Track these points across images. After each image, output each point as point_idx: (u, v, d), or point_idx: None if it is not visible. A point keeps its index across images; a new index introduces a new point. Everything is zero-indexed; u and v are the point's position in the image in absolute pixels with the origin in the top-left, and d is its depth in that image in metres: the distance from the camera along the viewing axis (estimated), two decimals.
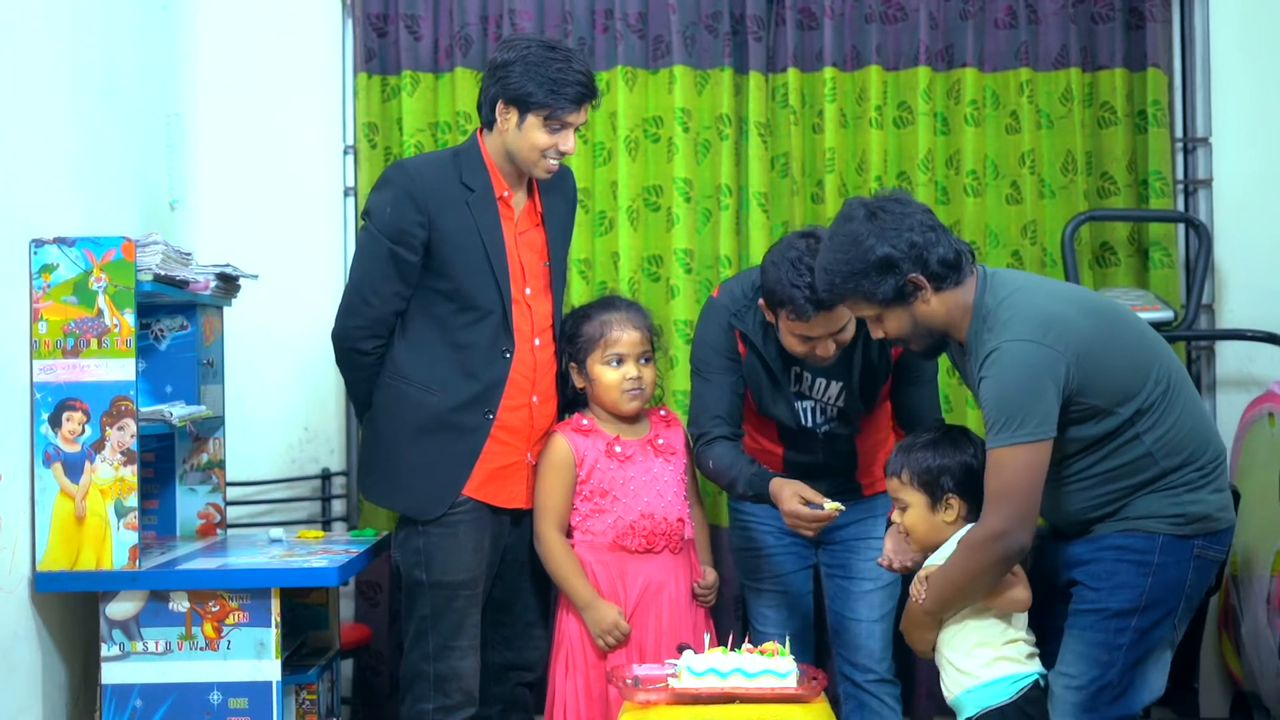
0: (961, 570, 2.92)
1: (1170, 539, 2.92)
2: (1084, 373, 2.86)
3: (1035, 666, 2.99)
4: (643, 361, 3.46)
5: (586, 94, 3.27)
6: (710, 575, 3.54)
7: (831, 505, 3.17)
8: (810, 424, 3.44)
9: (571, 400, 3.53)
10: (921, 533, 3.05)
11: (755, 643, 3.14)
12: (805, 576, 3.59)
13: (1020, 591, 2.95)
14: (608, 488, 3.43)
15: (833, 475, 3.46)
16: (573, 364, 3.48)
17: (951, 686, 3.01)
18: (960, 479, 3.01)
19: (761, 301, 3.30)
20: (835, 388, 3.40)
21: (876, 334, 3.03)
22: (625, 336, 3.44)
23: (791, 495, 3.20)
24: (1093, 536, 2.98)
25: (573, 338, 3.47)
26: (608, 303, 3.54)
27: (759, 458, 3.44)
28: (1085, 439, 2.93)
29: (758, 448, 3.49)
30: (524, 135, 3.27)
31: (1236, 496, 3.81)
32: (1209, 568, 2.98)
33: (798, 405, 3.42)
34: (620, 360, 3.43)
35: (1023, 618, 3.00)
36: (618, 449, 3.45)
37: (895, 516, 3.09)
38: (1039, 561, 3.05)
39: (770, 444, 3.50)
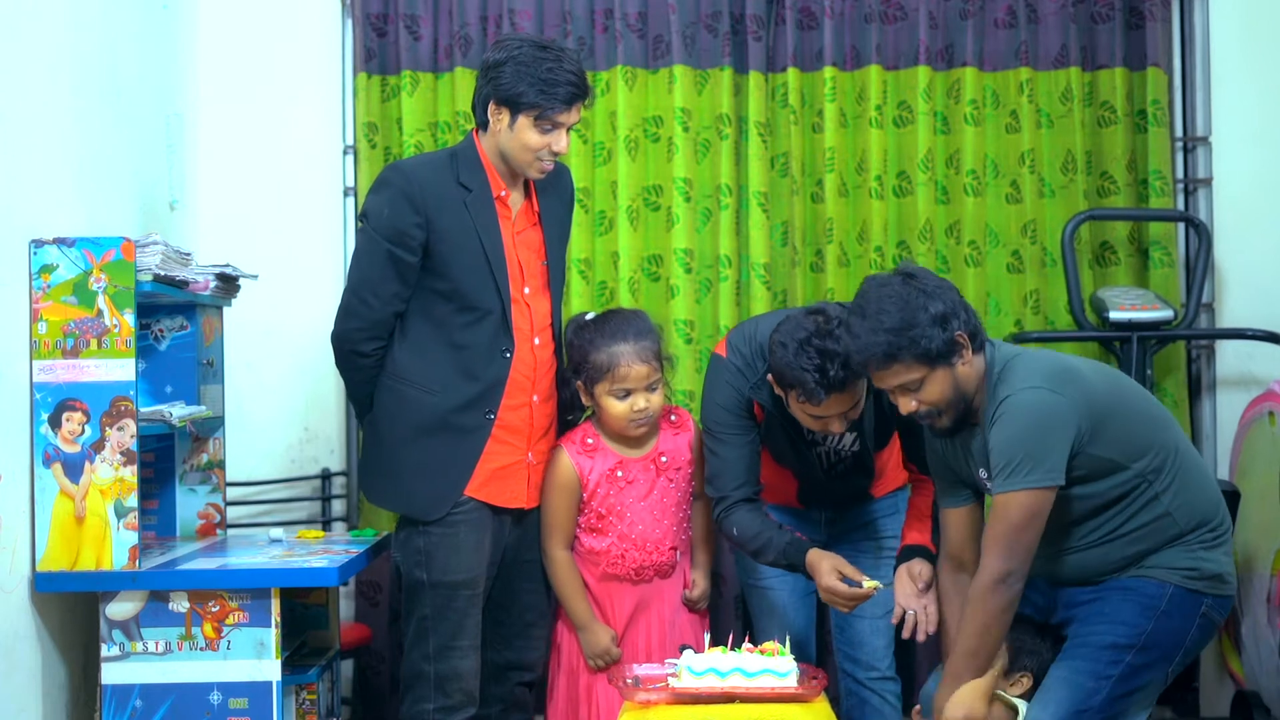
0: (977, 623, 2.91)
1: (1181, 591, 2.94)
2: (1096, 422, 2.88)
3: None
4: (650, 389, 3.43)
5: (578, 94, 3.26)
6: (698, 588, 3.54)
7: (870, 584, 3.14)
8: (826, 467, 3.43)
9: (570, 401, 3.52)
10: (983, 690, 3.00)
11: (756, 642, 3.14)
12: None
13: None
14: (606, 511, 3.45)
15: (845, 501, 3.48)
16: (580, 382, 3.45)
17: None
18: (1037, 666, 3.03)
19: (771, 378, 3.24)
20: (849, 438, 3.38)
21: (909, 407, 2.97)
22: (633, 372, 3.38)
23: (830, 570, 3.16)
24: (1103, 580, 3.00)
25: (579, 364, 3.42)
26: (618, 331, 3.42)
27: (773, 493, 3.44)
28: (1103, 497, 2.95)
29: (773, 483, 3.46)
30: (516, 135, 3.26)
31: (1236, 496, 3.82)
32: (1210, 629, 3.00)
33: (814, 453, 3.40)
34: (628, 393, 3.42)
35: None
36: (620, 474, 3.45)
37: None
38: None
39: (785, 482, 3.48)
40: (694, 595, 3.52)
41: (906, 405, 2.97)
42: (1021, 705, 2.97)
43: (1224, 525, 3.02)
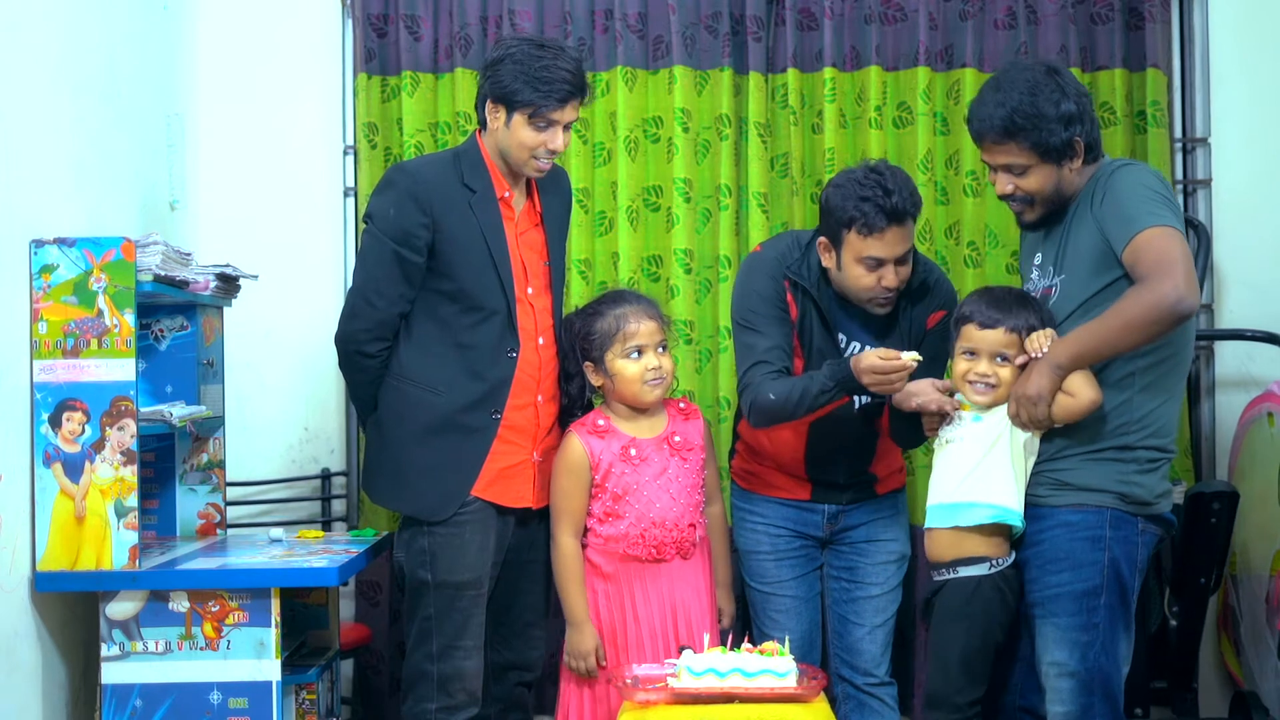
0: (1123, 318, 2.88)
1: (1117, 514, 3.00)
2: None
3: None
4: (660, 350, 3.45)
5: (573, 92, 3.27)
6: (727, 618, 3.54)
7: (910, 355, 3.15)
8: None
9: (569, 406, 3.50)
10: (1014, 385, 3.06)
11: (757, 643, 3.14)
12: (814, 579, 3.57)
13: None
14: (622, 492, 3.42)
15: (851, 459, 3.46)
16: (588, 362, 3.45)
17: (973, 489, 3.03)
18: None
19: (822, 240, 3.30)
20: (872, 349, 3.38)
21: (1005, 189, 3.09)
22: (642, 327, 3.41)
23: (870, 354, 3.18)
24: (1039, 511, 3.03)
25: (586, 335, 3.43)
26: (617, 297, 3.50)
27: (781, 449, 3.44)
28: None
29: (782, 444, 3.45)
30: (512, 134, 3.27)
31: (1236, 496, 3.83)
32: (1152, 542, 3.07)
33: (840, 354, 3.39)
34: (640, 351, 3.42)
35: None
36: (633, 452, 3.43)
37: (986, 368, 3.06)
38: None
39: (796, 440, 3.44)
40: (726, 625, 3.52)
41: (1003, 186, 3.11)
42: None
43: (1168, 450, 3.06)
